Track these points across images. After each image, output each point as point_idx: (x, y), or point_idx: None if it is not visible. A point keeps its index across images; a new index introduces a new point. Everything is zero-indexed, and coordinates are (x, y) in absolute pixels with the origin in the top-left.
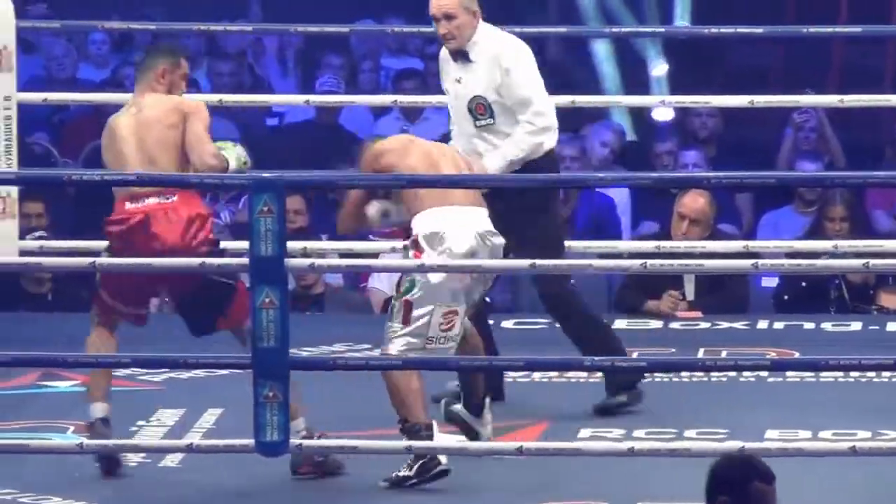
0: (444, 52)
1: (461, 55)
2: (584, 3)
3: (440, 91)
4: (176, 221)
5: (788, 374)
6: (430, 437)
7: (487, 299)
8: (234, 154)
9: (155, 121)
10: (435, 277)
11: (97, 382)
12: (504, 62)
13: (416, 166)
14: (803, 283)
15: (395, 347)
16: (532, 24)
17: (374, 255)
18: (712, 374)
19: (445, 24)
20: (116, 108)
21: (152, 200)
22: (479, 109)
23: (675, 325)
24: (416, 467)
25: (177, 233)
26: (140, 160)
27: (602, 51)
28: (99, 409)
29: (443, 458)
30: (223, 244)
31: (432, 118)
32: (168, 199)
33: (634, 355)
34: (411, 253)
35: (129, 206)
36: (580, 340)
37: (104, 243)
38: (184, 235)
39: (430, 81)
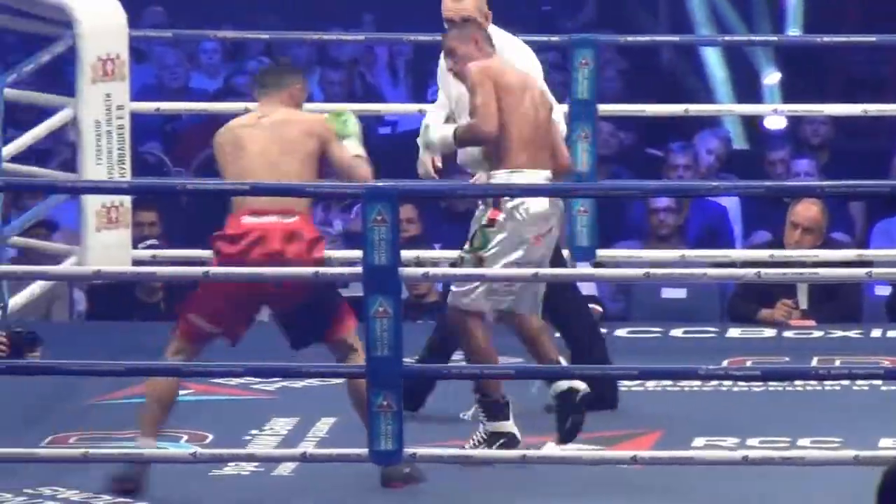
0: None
1: None
2: (695, 11)
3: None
4: (298, 240)
5: None
6: (507, 417)
7: (599, 308)
8: (354, 127)
9: (290, 143)
10: (511, 235)
11: (153, 416)
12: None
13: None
14: None
15: (461, 298)
16: (643, 30)
17: None
18: (826, 382)
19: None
20: (229, 117)
21: (273, 219)
22: None
23: (788, 333)
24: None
25: (302, 250)
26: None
27: (713, 59)
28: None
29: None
30: (336, 254)
31: None
32: (288, 219)
33: (748, 364)
34: (489, 210)
35: (247, 220)
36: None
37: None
38: (308, 253)
39: None
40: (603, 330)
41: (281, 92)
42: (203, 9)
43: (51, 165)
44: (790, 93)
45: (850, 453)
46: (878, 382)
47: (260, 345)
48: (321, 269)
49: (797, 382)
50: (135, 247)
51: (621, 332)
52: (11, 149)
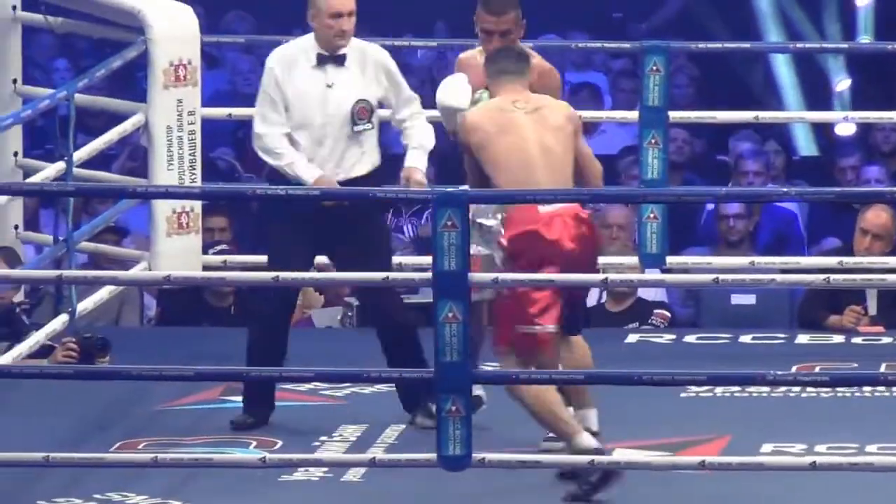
0: (288, 56)
1: (335, 59)
2: (766, 17)
3: (616, 105)
4: (587, 222)
5: None
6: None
7: (667, 314)
8: None
9: (556, 128)
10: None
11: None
12: (391, 66)
13: None
14: None
15: None
16: (716, 37)
17: None
18: (894, 388)
19: (348, 22)
20: None
21: (562, 204)
22: (362, 113)
23: (857, 339)
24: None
25: (593, 229)
26: (546, 166)
27: (783, 66)
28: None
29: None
30: (406, 259)
31: (609, 131)
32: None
33: (816, 369)
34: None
35: (543, 209)
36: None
37: None
38: (594, 231)
39: (603, 95)
40: (671, 336)
41: (522, 78)
42: (291, 15)
43: (113, 167)
44: (860, 99)
45: None
46: None
47: (329, 350)
48: (392, 275)
49: (865, 388)
50: (205, 252)
51: (690, 338)
52: (83, 154)
